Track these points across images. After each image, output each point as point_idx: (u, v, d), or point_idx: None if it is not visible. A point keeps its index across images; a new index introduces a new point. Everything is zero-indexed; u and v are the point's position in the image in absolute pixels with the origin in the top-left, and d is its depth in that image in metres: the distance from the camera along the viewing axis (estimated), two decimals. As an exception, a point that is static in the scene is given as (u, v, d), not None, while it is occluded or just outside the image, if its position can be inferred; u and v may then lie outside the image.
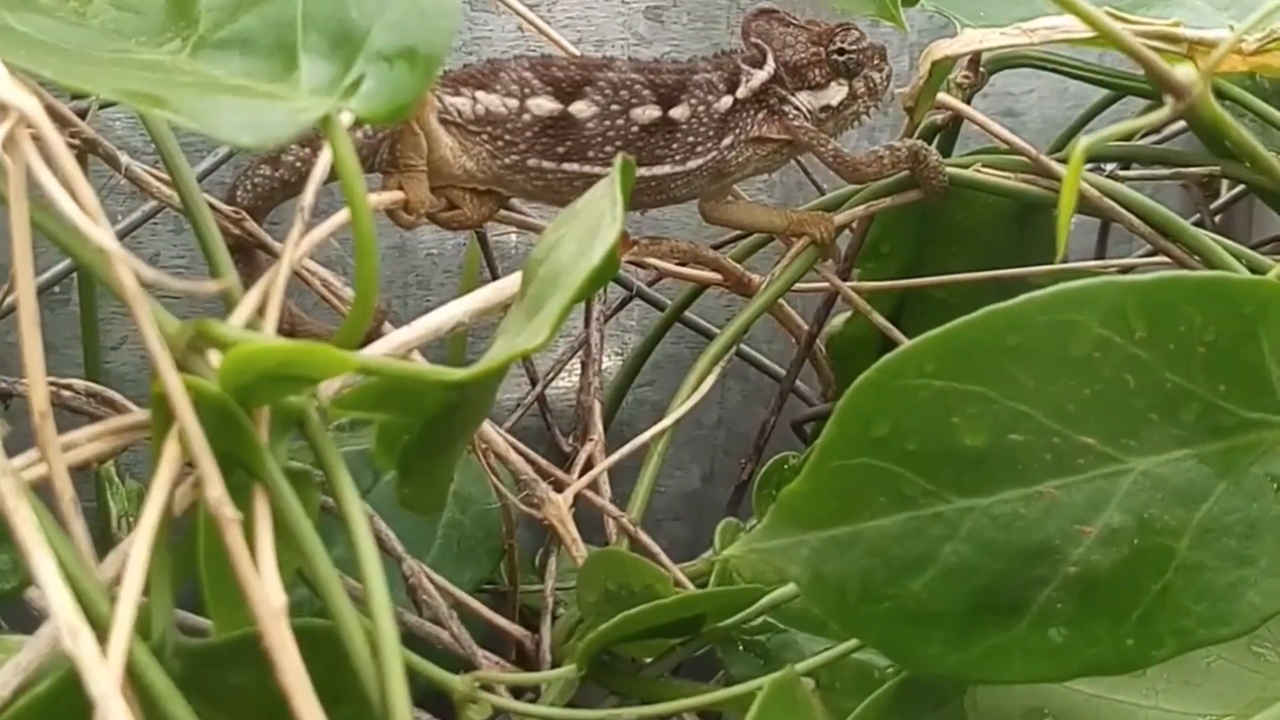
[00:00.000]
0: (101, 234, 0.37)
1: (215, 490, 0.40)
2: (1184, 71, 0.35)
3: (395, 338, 0.52)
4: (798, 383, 0.91)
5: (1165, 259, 0.64)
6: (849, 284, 0.75)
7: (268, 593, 0.40)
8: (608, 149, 0.63)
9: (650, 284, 0.87)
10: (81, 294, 0.75)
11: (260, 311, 0.45)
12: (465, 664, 0.61)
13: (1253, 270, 0.61)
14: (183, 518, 0.44)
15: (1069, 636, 0.49)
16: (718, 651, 0.60)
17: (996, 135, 0.66)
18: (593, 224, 0.48)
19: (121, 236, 0.74)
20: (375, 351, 0.52)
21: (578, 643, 0.58)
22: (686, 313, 0.83)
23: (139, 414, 0.45)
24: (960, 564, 0.48)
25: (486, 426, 0.61)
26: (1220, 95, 0.68)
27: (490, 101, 0.63)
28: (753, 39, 0.67)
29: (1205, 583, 0.49)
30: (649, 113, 0.64)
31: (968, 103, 0.75)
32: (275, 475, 0.42)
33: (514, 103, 0.63)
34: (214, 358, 0.43)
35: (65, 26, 0.48)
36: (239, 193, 0.64)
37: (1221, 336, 0.47)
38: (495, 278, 0.86)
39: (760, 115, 0.67)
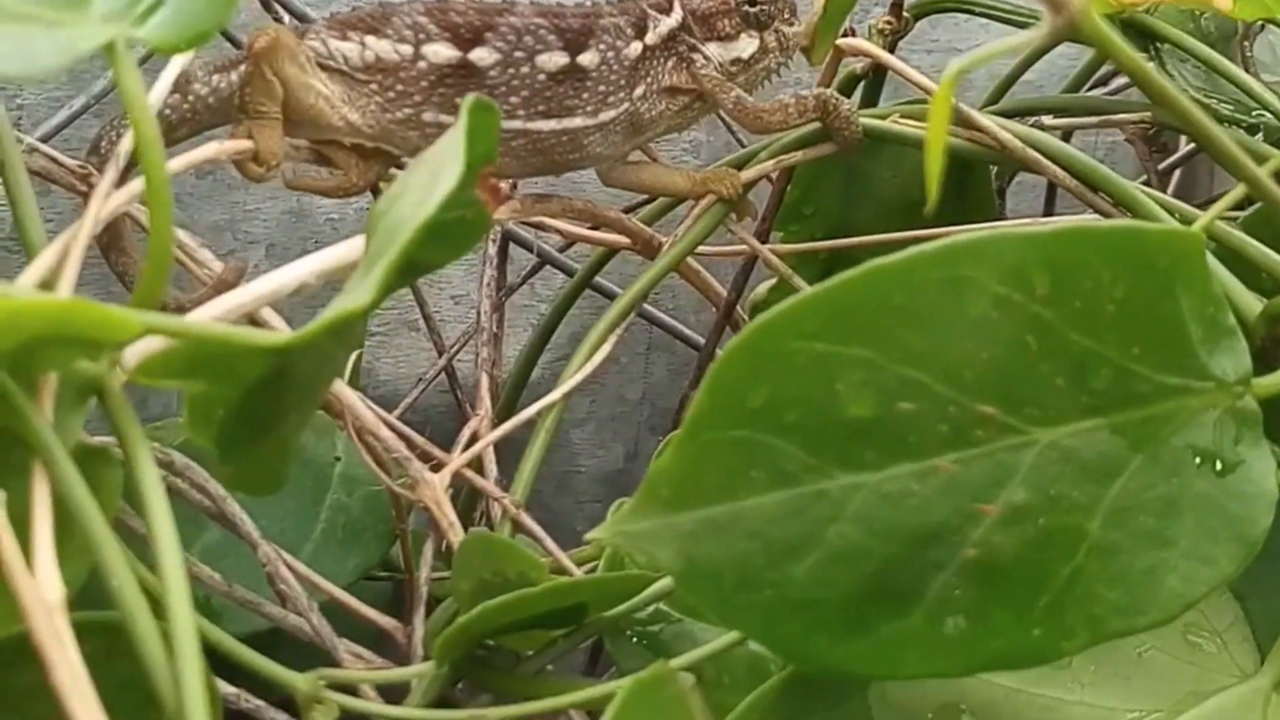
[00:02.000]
0: None
1: (-30, 469, 0.35)
2: (1065, -18, 0.30)
3: (229, 299, 0.47)
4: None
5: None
6: (769, 246, 0.70)
7: (42, 583, 0.36)
8: (513, 99, 0.58)
9: (562, 250, 0.82)
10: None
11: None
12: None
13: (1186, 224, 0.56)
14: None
15: (969, 627, 0.44)
16: (606, 643, 0.55)
17: (913, 82, 0.61)
18: (436, 171, 0.43)
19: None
20: (204, 315, 0.47)
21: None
22: (603, 281, 0.78)
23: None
24: (847, 547, 0.43)
25: (355, 401, 0.57)
26: (1154, 37, 0.63)
27: (380, 47, 0.58)
28: None
29: (1120, 566, 0.44)
30: (556, 59, 0.59)
31: (892, 49, 0.70)
32: (56, 452, 0.37)
33: (407, 49, 0.58)
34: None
35: None
36: (104, 143, 0.58)
37: (1134, 293, 0.43)
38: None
39: (670, 64, 0.62)
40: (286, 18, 0.72)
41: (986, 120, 0.59)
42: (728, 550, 0.43)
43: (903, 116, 0.63)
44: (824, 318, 0.42)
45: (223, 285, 0.54)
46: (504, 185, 0.56)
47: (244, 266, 0.53)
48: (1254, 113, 0.61)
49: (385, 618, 0.57)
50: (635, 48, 0.61)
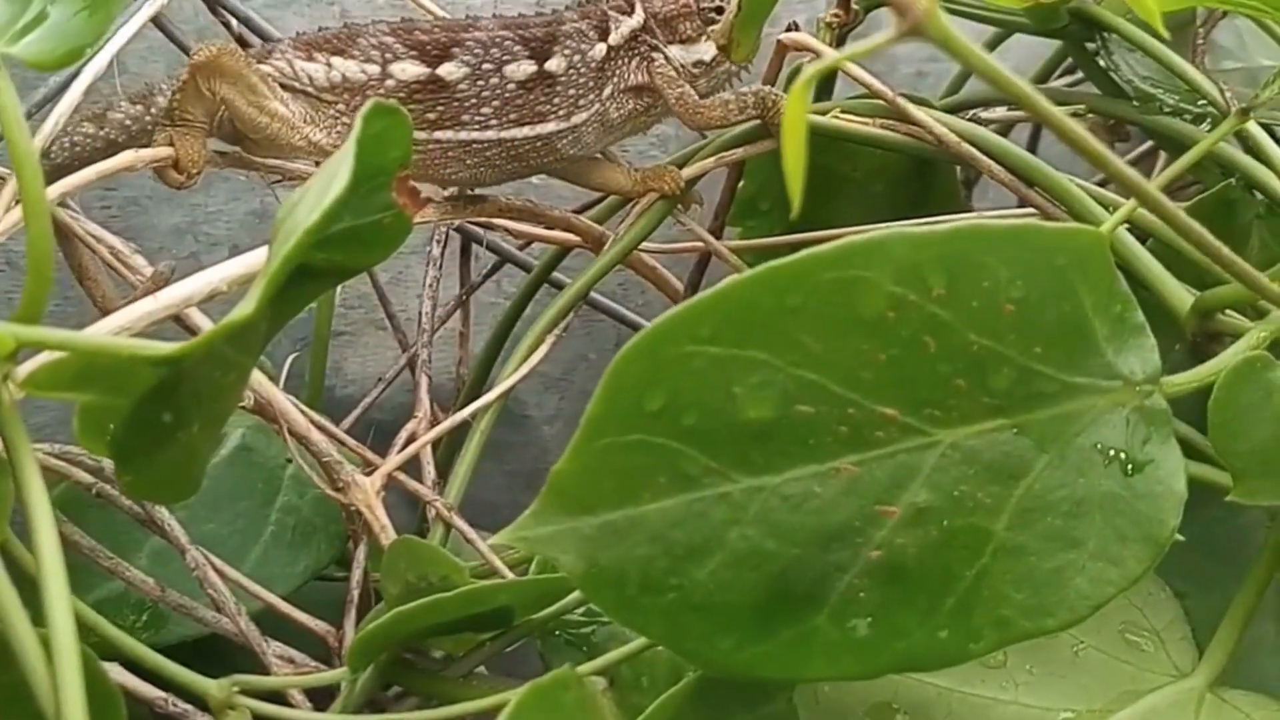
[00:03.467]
0: None
1: None
2: (908, -16, 0.30)
3: (139, 307, 0.48)
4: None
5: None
6: (724, 242, 0.69)
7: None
8: (485, 110, 0.58)
9: (522, 248, 0.82)
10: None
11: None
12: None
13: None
14: None
15: (874, 628, 0.44)
16: (539, 647, 0.55)
17: (853, 77, 0.60)
18: (327, 181, 0.43)
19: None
20: (114, 324, 0.47)
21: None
22: (562, 277, 0.78)
23: None
24: (750, 549, 0.43)
25: (284, 402, 0.57)
26: (1101, 26, 0.62)
27: (347, 67, 0.58)
28: None
29: (1027, 568, 0.44)
30: (524, 68, 0.59)
31: (840, 43, 0.70)
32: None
33: (374, 69, 0.58)
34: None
35: None
36: (53, 149, 0.58)
37: (1032, 292, 0.42)
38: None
39: (634, 63, 0.62)
40: (239, 26, 0.72)
41: (922, 114, 0.59)
42: (630, 553, 0.43)
43: (843, 112, 0.62)
44: (719, 321, 0.42)
45: (151, 290, 0.54)
46: (428, 189, 0.56)
47: (169, 273, 0.53)
48: (1199, 102, 0.60)
49: (317, 621, 0.57)
50: (600, 49, 0.61)
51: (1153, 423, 0.44)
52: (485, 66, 0.59)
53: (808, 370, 0.42)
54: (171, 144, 0.54)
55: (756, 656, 0.44)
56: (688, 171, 0.63)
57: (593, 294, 0.85)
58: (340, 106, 0.58)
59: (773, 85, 0.65)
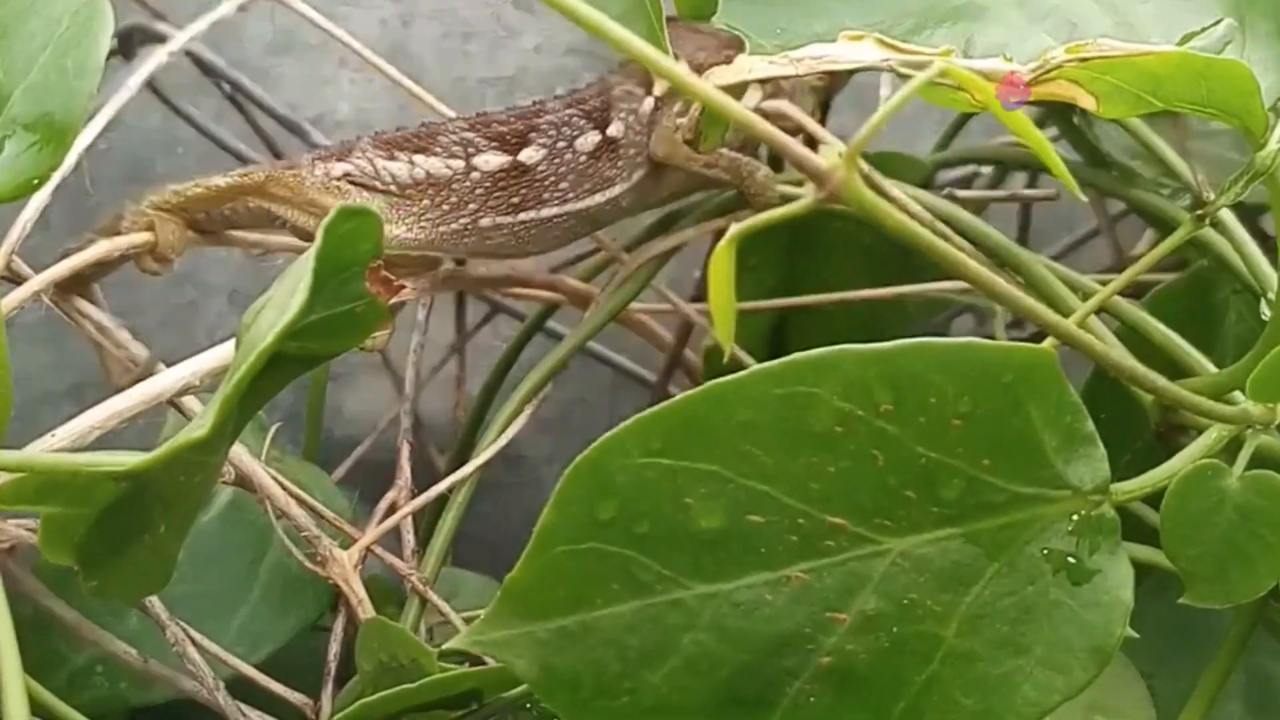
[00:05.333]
0: None
1: None
2: (827, 154, 0.30)
3: (107, 407, 0.49)
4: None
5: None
6: (696, 305, 0.70)
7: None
8: (562, 185, 0.60)
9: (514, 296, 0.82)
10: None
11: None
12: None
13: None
14: None
15: (826, 733, 0.44)
16: (510, 721, 0.56)
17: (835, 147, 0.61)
18: (289, 293, 0.44)
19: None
20: (86, 423, 0.48)
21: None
22: (555, 326, 0.79)
23: None
24: (702, 654, 0.44)
25: (265, 477, 0.58)
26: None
27: (431, 164, 0.59)
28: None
29: (976, 674, 0.44)
30: (590, 139, 0.60)
31: (826, 105, 0.70)
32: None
33: (459, 163, 0.59)
34: None
35: None
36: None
37: (979, 408, 0.43)
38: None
39: (677, 108, 0.62)
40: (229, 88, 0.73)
41: (897, 191, 0.59)
42: (584, 658, 0.44)
43: (822, 182, 0.62)
44: (669, 434, 0.43)
45: (140, 377, 0.55)
46: (399, 274, 0.57)
47: (154, 365, 0.54)
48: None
49: (294, 694, 0.58)
50: (648, 103, 0.62)
51: (1101, 532, 0.44)
52: (559, 145, 0.60)
53: (758, 481, 0.43)
54: (150, 229, 0.55)
55: (708, 759, 0.45)
56: (669, 241, 0.63)
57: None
58: (425, 203, 0.59)
59: (755, 151, 0.66)
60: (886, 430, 0.43)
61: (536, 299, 0.70)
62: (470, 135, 0.60)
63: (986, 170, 0.78)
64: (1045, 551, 0.44)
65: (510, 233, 0.60)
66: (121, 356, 0.58)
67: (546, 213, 0.60)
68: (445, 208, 0.59)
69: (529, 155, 0.60)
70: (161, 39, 0.68)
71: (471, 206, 0.59)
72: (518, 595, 0.44)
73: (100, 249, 0.52)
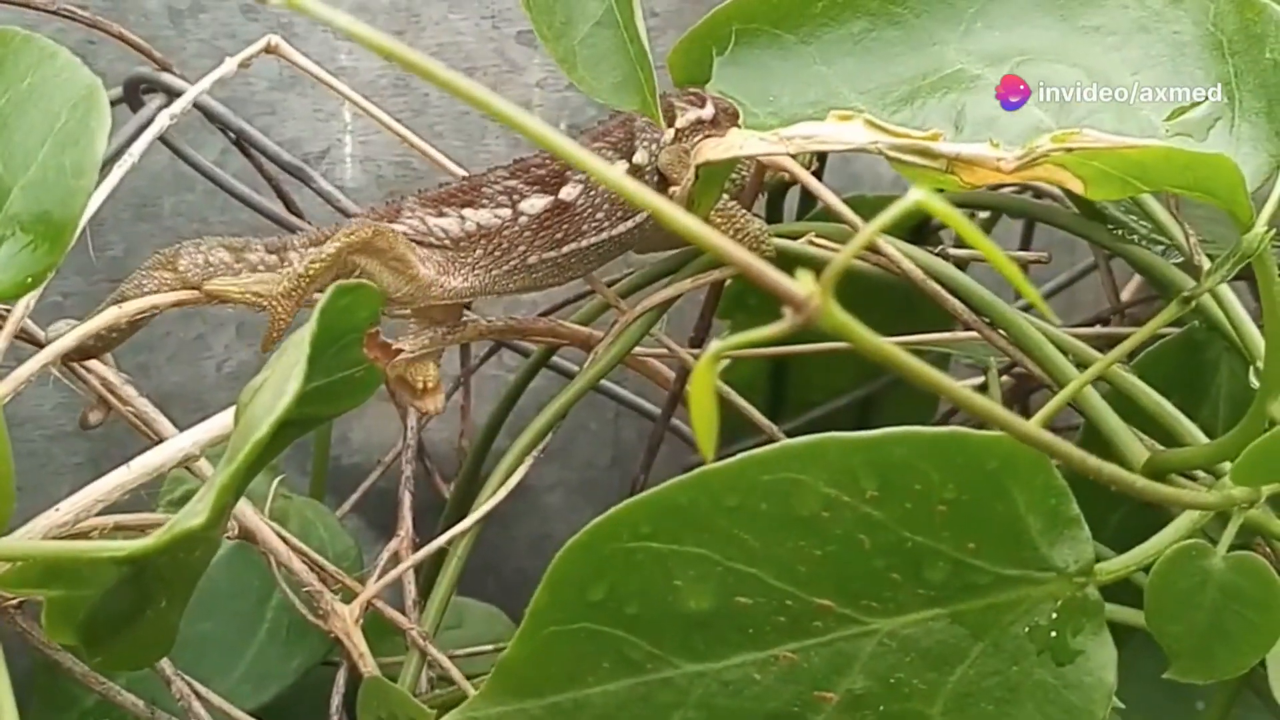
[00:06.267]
0: None
1: None
2: (803, 281, 0.31)
3: (109, 480, 0.49)
4: (684, 426, 0.87)
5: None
6: (694, 351, 0.70)
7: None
8: (598, 216, 0.62)
9: (518, 333, 0.83)
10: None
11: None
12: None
13: (1080, 365, 0.56)
14: None
15: (813, 808, 0.45)
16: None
17: (827, 203, 0.61)
18: (285, 376, 0.44)
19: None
20: (90, 496, 0.49)
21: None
22: (560, 360, 0.80)
23: None
24: (692, 732, 0.45)
25: (268, 532, 0.59)
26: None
27: (480, 216, 0.61)
28: (691, 89, 0.63)
29: (961, 751, 0.45)
30: (619, 168, 0.62)
31: (824, 159, 0.71)
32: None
33: (506, 211, 0.61)
34: None
35: None
36: (185, 265, 0.60)
37: (964, 493, 0.43)
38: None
39: (696, 142, 0.64)
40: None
41: (890, 247, 0.59)
42: (576, 734, 0.45)
43: (819, 236, 0.63)
44: (659, 518, 0.44)
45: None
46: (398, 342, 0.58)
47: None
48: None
49: (297, 747, 0.59)
50: (669, 134, 0.63)
51: (1085, 614, 0.45)
52: (592, 179, 0.62)
53: (746, 564, 0.44)
54: (276, 308, 0.56)
55: (697, 834, 0.46)
56: (667, 292, 0.64)
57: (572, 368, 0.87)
58: (478, 252, 0.61)
59: (754, 200, 0.66)
60: (872, 515, 0.43)
61: (542, 342, 0.71)
62: (513, 183, 0.62)
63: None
64: (1029, 631, 0.45)
65: (555, 265, 0.63)
66: (127, 413, 0.59)
67: (586, 243, 0.62)
68: (497, 254, 0.62)
69: (568, 192, 0.62)
70: (166, 89, 0.69)
71: (521, 248, 0.62)
72: (512, 672, 0.45)
73: (109, 316, 0.53)
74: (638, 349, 0.72)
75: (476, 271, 0.61)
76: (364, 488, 0.82)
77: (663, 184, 0.61)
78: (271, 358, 0.49)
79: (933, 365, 0.85)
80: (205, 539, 0.49)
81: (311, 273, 0.57)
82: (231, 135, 0.73)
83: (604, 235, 0.62)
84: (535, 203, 0.60)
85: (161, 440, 0.56)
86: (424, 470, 0.87)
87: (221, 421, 0.51)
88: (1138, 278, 0.80)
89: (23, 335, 0.55)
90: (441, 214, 0.61)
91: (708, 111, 0.62)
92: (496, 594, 0.88)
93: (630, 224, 0.62)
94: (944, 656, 0.45)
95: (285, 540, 0.58)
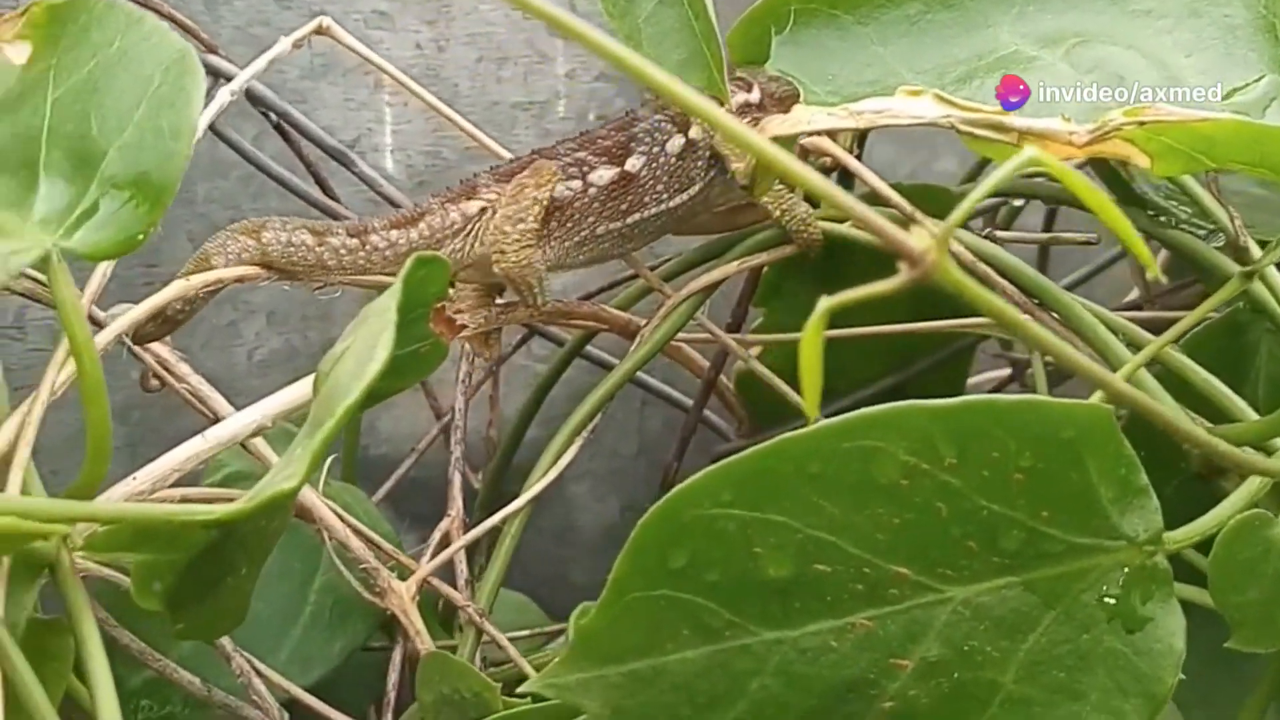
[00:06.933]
0: None
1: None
2: (919, 236, 0.32)
3: (184, 450, 0.50)
4: (714, 415, 0.88)
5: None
6: (735, 336, 0.71)
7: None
8: (659, 188, 0.64)
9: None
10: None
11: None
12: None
13: (1131, 345, 0.57)
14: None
15: (887, 775, 0.46)
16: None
17: (872, 186, 0.62)
18: (370, 344, 0.45)
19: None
20: (165, 466, 0.49)
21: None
22: (592, 349, 0.80)
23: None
24: (769, 699, 0.45)
25: (324, 509, 0.59)
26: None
27: (555, 189, 0.62)
28: (738, 73, 0.64)
29: (1032, 718, 0.46)
30: (677, 142, 0.64)
31: (863, 137, 0.71)
32: (6, 646, 0.40)
33: (577, 184, 0.63)
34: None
35: None
36: (269, 243, 0.59)
37: (1040, 462, 0.44)
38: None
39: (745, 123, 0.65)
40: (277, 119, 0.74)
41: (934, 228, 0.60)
42: (654, 701, 0.46)
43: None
44: (741, 486, 0.44)
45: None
46: (462, 315, 0.58)
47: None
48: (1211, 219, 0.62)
49: (351, 721, 0.59)
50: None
51: (1155, 581, 0.46)
52: (655, 150, 0.63)
53: (825, 532, 0.44)
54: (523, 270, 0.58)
55: (777, 800, 0.46)
56: (712, 275, 0.65)
57: (604, 357, 0.87)
58: (552, 224, 0.62)
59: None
60: (950, 483, 0.44)
61: (582, 327, 0.71)
62: (582, 155, 0.63)
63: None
64: (1100, 599, 0.46)
65: (619, 235, 0.64)
66: (182, 389, 0.59)
67: (647, 213, 0.64)
68: (569, 225, 0.63)
69: (633, 164, 0.63)
70: (213, 70, 0.69)
71: (590, 219, 0.63)
72: (592, 639, 0.46)
73: (175, 289, 0.53)
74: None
75: (551, 244, 0.62)
76: (398, 474, 0.82)
77: (712, 161, 0.63)
78: (348, 328, 0.50)
79: (958, 356, 0.86)
80: (285, 507, 0.49)
81: (532, 218, 0.59)
82: (274, 119, 0.73)
83: (663, 206, 0.64)
84: (603, 174, 0.62)
85: (217, 417, 0.57)
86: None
87: (291, 394, 0.51)
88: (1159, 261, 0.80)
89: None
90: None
91: (754, 96, 0.63)
92: (523, 583, 0.88)
93: (684, 197, 0.64)
94: (1016, 624, 0.46)
95: (341, 518, 0.58)
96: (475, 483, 0.86)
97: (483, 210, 0.60)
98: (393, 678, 0.59)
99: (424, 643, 0.58)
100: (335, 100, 0.85)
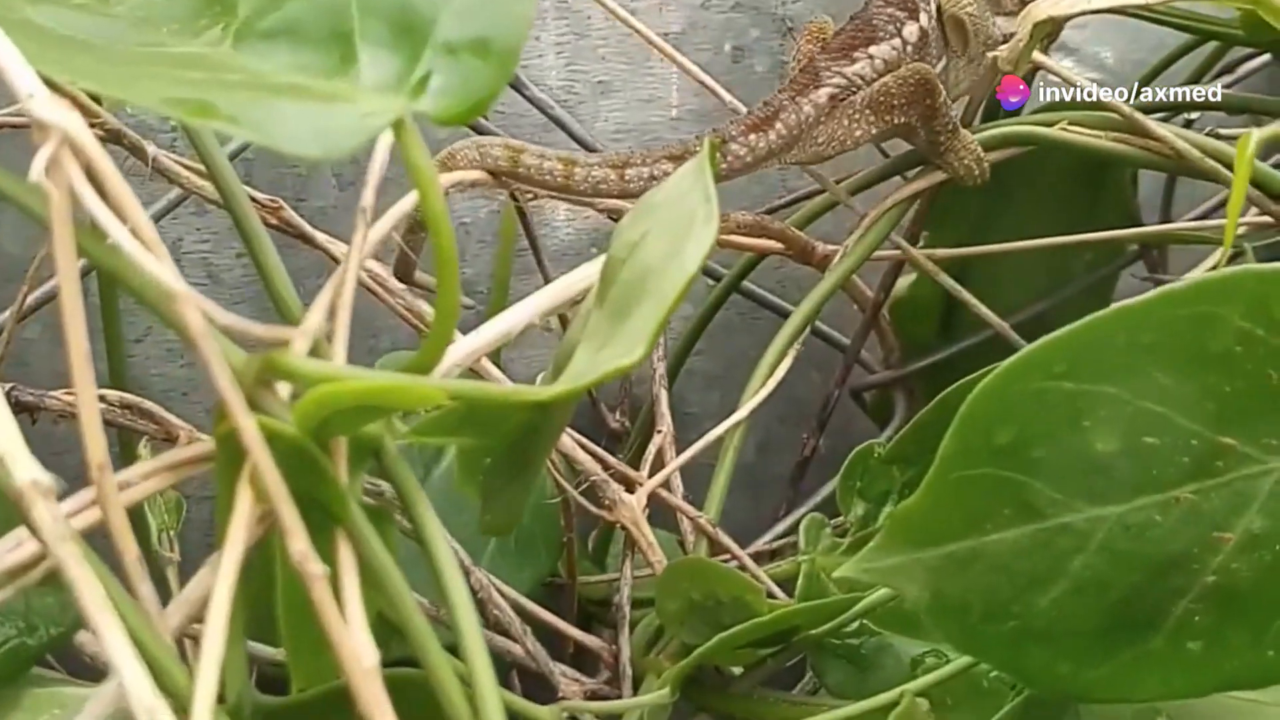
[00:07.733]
0: (166, 272, 0.33)
1: (299, 544, 0.36)
2: None
3: (465, 345, 0.48)
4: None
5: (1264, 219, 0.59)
6: (919, 250, 0.70)
7: (358, 650, 0.37)
8: (933, 50, 0.66)
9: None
10: (102, 291, 0.70)
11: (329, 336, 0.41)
12: (536, 677, 0.58)
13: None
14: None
15: (1206, 650, 0.45)
16: (809, 659, 0.56)
17: (1070, 83, 0.62)
18: (683, 221, 0.44)
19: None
20: (447, 362, 0.48)
21: (660, 657, 0.55)
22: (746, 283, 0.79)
23: (199, 447, 0.42)
24: (1091, 578, 0.45)
25: (553, 425, 0.58)
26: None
27: (881, 51, 0.64)
28: None
29: (1355, 589, 0.45)
30: (912, 29, 0.65)
31: (1046, 49, 0.71)
32: (358, 519, 0.39)
33: (897, 41, 0.65)
34: (282, 388, 0.39)
35: (90, 18, 0.43)
36: (631, 178, 0.60)
37: (1382, 325, 0.43)
38: (535, 249, 0.82)
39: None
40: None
41: (1165, 130, 0.60)
42: (974, 584, 0.45)
43: (1071, 123, 0.63)
44: (1073, 357, 0.43)
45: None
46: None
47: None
48: None
49: (590, 637, 0.58)
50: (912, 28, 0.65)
51: None
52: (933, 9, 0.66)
53: (1155, 403, 0.44)
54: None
55: (1094, 679, 0.45)
56: (903, 192, 0.64)
57: (755, 289, 0.86)
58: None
59: (982, 101, 0.66)
60: (1283, 349, 0.43)
61: (753, 249, 0.70)
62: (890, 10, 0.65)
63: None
64: None
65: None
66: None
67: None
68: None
69: (924, 19, 0.65)
70: None
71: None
72: (910, 522, 0.45)
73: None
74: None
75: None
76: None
77: (941, 44, 0.63)
78: (626, 219, 0.48)
79: (1104, 282, 0.85)
80: (577, 397, 0.48)
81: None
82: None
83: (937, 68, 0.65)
84: (911, 29, 0.61)
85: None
86: (590, 401, 0.87)
87: (555, 290, 0.50)
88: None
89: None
90: (852, 60, 0.62)
91: None
92: (663, 523, 0.87)
93: (941, 65, 0.65)
94: (1341, 496, 0.45)
95: (569, 434, 0.57)
96: (612, 423, 0.85)
97: (832, 97, 0.60)
98: (625, 591, 0.58)
99: (657, 556, 0.57)
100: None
